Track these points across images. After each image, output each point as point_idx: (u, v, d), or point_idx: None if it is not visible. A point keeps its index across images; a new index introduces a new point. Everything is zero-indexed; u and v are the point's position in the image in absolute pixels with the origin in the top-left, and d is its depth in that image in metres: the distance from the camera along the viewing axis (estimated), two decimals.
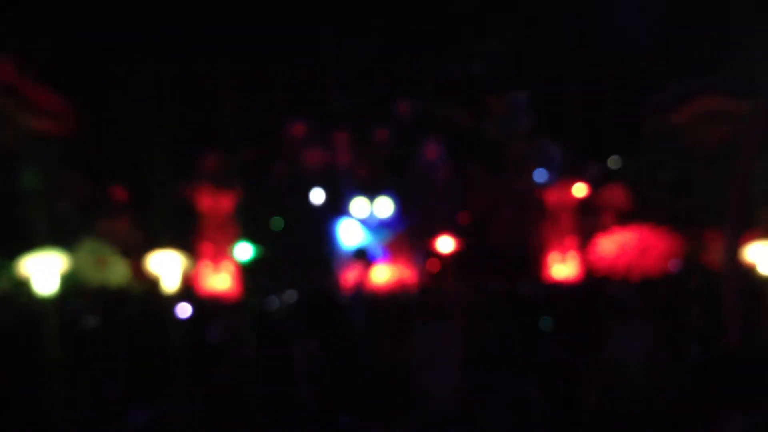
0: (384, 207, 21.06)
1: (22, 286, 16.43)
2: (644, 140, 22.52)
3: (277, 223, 21.01)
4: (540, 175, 21.06)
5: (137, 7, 19.66)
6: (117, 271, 17.96)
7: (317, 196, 21.86)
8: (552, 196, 20.70)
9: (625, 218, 20.86)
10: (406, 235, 21.11)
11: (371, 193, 21.08)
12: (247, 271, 19.25)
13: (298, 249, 21.08)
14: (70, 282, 17.12)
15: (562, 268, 20.33)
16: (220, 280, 18.83)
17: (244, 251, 19.22)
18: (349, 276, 19.38)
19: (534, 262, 20.95)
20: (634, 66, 23.43)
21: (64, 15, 19.89)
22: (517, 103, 21.76)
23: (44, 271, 16.44)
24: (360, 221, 20.99)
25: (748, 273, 15.71)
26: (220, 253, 19.05)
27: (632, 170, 22.50)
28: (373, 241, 20.66)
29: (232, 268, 19.19)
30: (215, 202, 19.08)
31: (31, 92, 18.46)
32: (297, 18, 21.01)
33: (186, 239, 18.99)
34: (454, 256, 21.50)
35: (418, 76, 23.21)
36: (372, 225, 20.92)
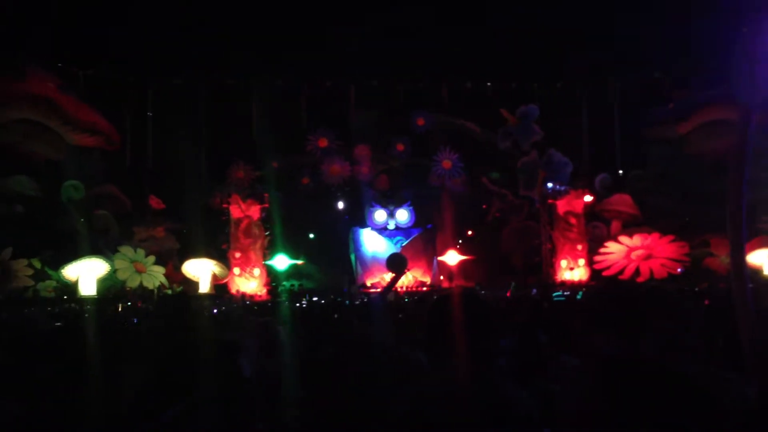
0: (402, 216, 21.91)
1: (66, 290, 17.32)
2: (652, 149, 22.81)
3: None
4: (551, 184, 21.19)
5: (172, 26, 20.32)
6: (154, 276, 18.50)
7: (340, 205, 22.59)
8: (562, 205, 20.98)
9: (632, 225, 21.28)
10: (423, 240, 21.92)
11: (391, 203, 21.93)
12: (280, 277, 20.04)
13: (324, 256, 21.90)
14: (110, 286, 17.98)
15: (572, 272, 20.59)
16: (250, 285, 19.53)
17: (281, 262, 19.99)
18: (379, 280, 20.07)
19: (544, 267, 21.37)
20: (646, 76, 23.64)
21: (101, 34, 20.56)
22: (528, 115, 22.11)
23: (86, 276, 17.36)
24: (379, 230, 21.81)
25: (755, 277, 15.76)
26: (250, 259, 19.75)
27: (640, 179, 22.66)
28: (392, 247, 21.30)
29: (262, 273, 19.93)
30: (245, 211, 19.62)
31: (73, 108, 19.25)
32: (321, 37, 21.67)
33: (218, 246, 19.74)
34: (467, 261, 22.19)
35: (434, 91, 23.82)
36: (391, 233, 21.76)
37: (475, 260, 21.91)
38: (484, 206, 23.40)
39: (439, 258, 21.93)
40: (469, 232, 23.22)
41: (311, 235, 22.36)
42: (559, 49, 22.28)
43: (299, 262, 20.60)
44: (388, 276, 20.42)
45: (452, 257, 21.64)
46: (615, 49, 22.06)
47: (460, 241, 22.21)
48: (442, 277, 21.50)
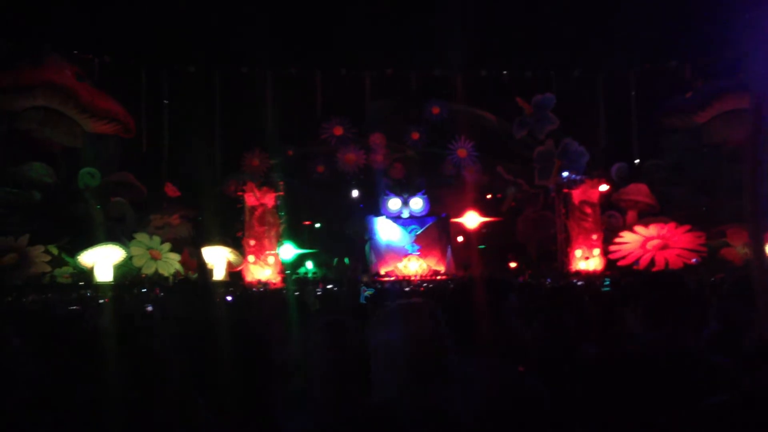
0: (416, 204, 21.89)
1: (82, 277, 17.51)
2: (669, 139, 22.61)
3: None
4: (566, 174, 21.10)
5: (187, 14, 20.31)
6: (169, 264, 18.63)
7: (354, 194, 22.67)
8: (578, 194, 20.81)
9: (648, 215, 21.14)
10: (437, 229, 21.92)
11: (405, 191, 21.91)
12: (289, 265, 20.17)
13: (336, 244, 22.03)
14: (126, 273, 18.14)
15: (586, 262, 20.40)
16: (265, 272, 19.61)
17: (288, 251, 20.20)
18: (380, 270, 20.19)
19: (559, 256, 21.25)
20: (664, 65, 23.40)
21: (117, 21, 20.59)
22: (544, 104, 21.98)
23: (102, 262, 17.55)
24: (394, 218, 21.85)
25: None
26: (264, 247, 19.84)
27: (657, 168, 22.49)
28: (406, 236, 21.42)
29: (275, 260, 19.98)
30: (260, 199, 19.70)
31: (89, 96, 19.38)
32: (335, 24, 21.62)
33: (232, 233, 19.84)
34: (482, 249, 22.20)
35: (449, 79, 23.71)
36: (405, 221, 21.75)
37: (489, 249, 21.92)
38: (499, 195, 23.32)
39: (456, 219, 22.00)
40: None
41: (317, 225, 22.42)
42: (575, 38, 22.03)
43: (305, 251, 20.77)
44: (402, 265, 20.68)
45: (472, 219, 21.68)
46: (632, 38, 21.85)
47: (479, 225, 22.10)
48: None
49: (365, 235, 21.96)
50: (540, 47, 22.59)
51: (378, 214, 21.91)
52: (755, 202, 3.32)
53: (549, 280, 16.66)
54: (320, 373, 2.10)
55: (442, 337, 2.06)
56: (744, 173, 3.40)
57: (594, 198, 20.79)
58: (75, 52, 20.51)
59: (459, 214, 22.07)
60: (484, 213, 22.11)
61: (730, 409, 1.89)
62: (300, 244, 20.73)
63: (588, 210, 20.65)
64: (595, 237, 20.62)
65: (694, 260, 19.14)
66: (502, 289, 2.44)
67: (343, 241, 22.40)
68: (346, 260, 21.79)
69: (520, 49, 22.75)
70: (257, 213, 19.78)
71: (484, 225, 22.43)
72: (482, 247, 22.46)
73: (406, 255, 21.17)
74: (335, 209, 22.41)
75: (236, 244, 19.58)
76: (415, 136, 22.18)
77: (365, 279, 20.03)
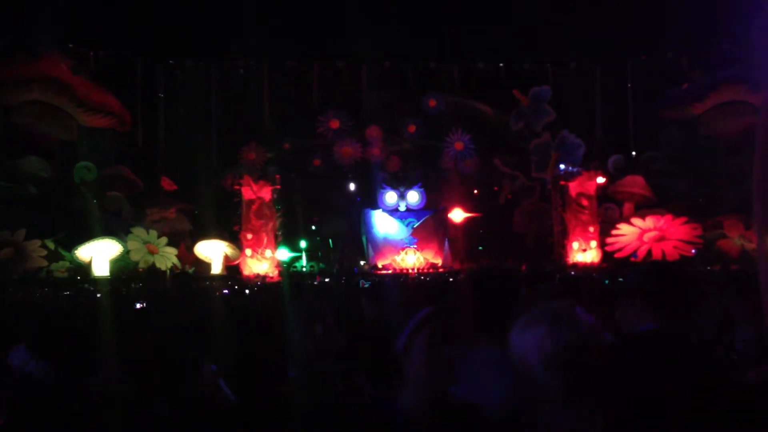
0: (413, 197, 21.87)
1: (79, 271, 17.46)
2: (666, 131, 22.59)
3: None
4: (563, 166, 21.10)
5: (183, 7, 20.26)
6: (166, 258, 18.57)
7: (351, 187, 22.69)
8: (574, 186, 20.80)
9: (645, 207, 21.13)
10: (434, 222, 21.92)
11: (402, 185, 21.89)
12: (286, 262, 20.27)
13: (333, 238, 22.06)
14: (122, 267, 18.10)
15: (584, 254, 20.43)
16: (261, 266, 19.61)
17: (283, 254, 20.42)
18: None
19: (556, 249, 21.27)
20: (661, 56, 23.35)
21: (113, 14, 20.52)
22: (541, 96, 21.96)
23: (99, 257, 17.51)
24: (390, 211, 21.82)
25: None
26: (261, 240, 19.81)
27: (653, 160, 22.48)
28: (403, 229, 21.41)
29: (272, 254, 20.00)
30: (257, 192, 19.68)
31: (85, 89, 19.28)
32: (332, 16, 21.53)
33: (229, 227, 19.82)
34: (479, 242, 22.23)
35: (446, 71, 23.65)
36: (402, 215, 21.74)
37: (488, 244, 21.97)
38: (495, 188, 23.33)
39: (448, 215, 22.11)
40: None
41: (313, 227, 22.49)
42: (572, 29, 21.99)
43: (297, 254, 20.88)
44: (399, 258, 20.70)
45: (457, 214, 21.84)
46: (629, 29, 21.81)
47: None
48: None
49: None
50: (537, 39, 22.54)
51: (375, 207, 21.87)
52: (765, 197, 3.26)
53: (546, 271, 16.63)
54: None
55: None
56: (756, 180, 3.36)
57: (591, 190, 20.77)
58: (70, 45, 20.40)
59: (453, 207, 22.11)
60: (471, 207, 22.14)
61: (734, 402, 1.88)
62: (294, 247, 20.83)
63: (585, 202, 20.63)
64: (591, 229, 20.61)
65: (693, 251, 19.15)
66: (498, 281, 2.41)
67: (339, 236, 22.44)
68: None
69: (516, 41, 22.71)
70: (254, 207, 19.74)
71: (480, 220, 22.51)
72: (481, 248, 22.58)
73: (403, 248, 21.16)
74: (332, 203, 22.41)
75: (233, 237, 19.54)
76: (412, 128, 22.14)
77: (366, 267, 20.18)
